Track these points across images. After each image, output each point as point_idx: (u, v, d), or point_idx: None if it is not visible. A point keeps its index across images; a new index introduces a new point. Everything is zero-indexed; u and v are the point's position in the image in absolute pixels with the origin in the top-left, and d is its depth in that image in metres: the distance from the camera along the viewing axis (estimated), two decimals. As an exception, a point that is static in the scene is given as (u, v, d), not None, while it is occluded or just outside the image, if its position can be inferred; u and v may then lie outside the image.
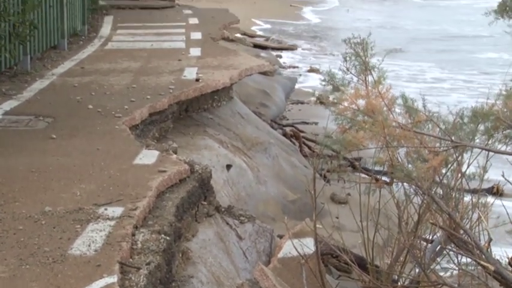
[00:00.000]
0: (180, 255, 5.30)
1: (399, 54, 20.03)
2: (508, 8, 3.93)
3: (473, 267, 4.55)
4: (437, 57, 20.20)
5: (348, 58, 4.43)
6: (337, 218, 7.44)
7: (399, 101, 4.53)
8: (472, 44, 22.25)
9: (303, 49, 19.63)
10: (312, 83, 16.00)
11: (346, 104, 4.31)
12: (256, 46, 18.58)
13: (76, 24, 13.54)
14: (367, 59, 4.32)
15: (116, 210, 5.08)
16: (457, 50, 21.60)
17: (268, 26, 22.95)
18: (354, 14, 27.82)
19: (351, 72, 4.43)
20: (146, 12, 17.52)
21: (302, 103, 14.49)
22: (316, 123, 12.85)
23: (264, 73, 12.16)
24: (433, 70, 18.55)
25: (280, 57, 18.34)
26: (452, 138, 4.33)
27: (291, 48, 19.49)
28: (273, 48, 19.05)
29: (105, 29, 14.72)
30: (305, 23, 25.34)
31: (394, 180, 4.92)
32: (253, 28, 21.75)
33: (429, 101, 4.74)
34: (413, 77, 17.56)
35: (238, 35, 18.71)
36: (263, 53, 17.71)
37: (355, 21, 26.18)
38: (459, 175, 4.62)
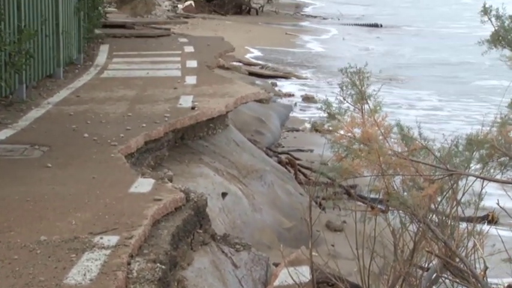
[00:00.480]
0: (176, 284, 5.28)
1: (397, 81, 20.10)
2: (501, 38, 3.96)
3: (469, 296, 4.53)
4: (436, 84, 20.26)
5: (344, 87, 4.45)
6: (333, 245, 7.43)
7: (396, 129, 4.54)
8: (472, 72, 22.28)
9: (298, 77, 19.68)
10: (307, 110, 16.03)
11: (342, 132, 4.32)
12: (251, 74, 18.63)
13: (72, 53, 13.59)
14: (363, 88, 4.34)
15: (112, 239, 5.06)
16: (456, 77, 21.65)
17: (263, 54, 23.04)
18: (351, 43, 27.93)
19: (347, 101, 4.44)
20: (142, 41, 17.58)
21: (297, 131, 14.51)
22: (311, 151, 12.86)
23: (260, 101, 12.19)
24: (431, 98, 18.60)
25: (276, 85, 18.39)
26: (448, 166, 4.33)
27: (286, 76, 19.55)
28: (268, 76, 19.11)
29: (101, 57, 14.77)
30: (301, 51, 25.44)
31: (390, 208, 4.92)
32: (249, 56, 21.83)
33: (427, 129, 4.76)
34: (411, 104, 17.58)
35: (233, 63, 18.77)
36: (258, 81, 17.76)
37: (353, 49, 26.29)
38: (454, 203, 4.62)
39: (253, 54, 22.47)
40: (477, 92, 19.32)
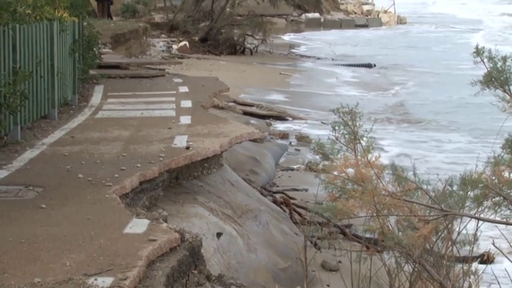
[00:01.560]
0: (171, 326, 5.24)
1: (395, 121, 20.17)
2: (493, 79, 4.00)
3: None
4: (434, 121, 20.33)
5: (336, 127, 4.47)
6: (328, 286, 7.40)
7: (390, 166, 4.55)
8: (471, 109, 22.24)
9: (292, 116, 19.74)
10: (301, 150, 16.05)
11: (335, 172, 4.33)
12: (246, 113, 18.69)
13: (67, 93, 13.63)
14: (355, 128, 4.36)
15: (106, 281, 5.03)
16: (455, 113, 21.64)
17: (258, 93, 23.13)
18: (343, 83, 28.05)
19: (340, 142, 4.46)
20: (136, 81, 17.65)
21: (292, 170, 14.51)
22: (306, 190, 12.85)
23: (254, 140, 12.20)
24: (429, 135, 18.63)
25: (270, 124, 18.43)
26: (442, 206, 4.34)
27: (281, 115, 19.62)
28: (263, 116, 19.17)
29: (96, 98, 14.81)
30: (295, 90, 25.55)
31: (385, 248, 4.91)
32: (243, 96, 21.91)
33: (421, 166, 4.76)
34: (407, 143, 17.61)
35: (228, 102, 18.83)
36: (253, 120, 17.81)
37: (345, 89, 26.41)
38: (450, 243, 4.61)
39: (247, 93, 22.55)
40: (480, 129, 19.29)
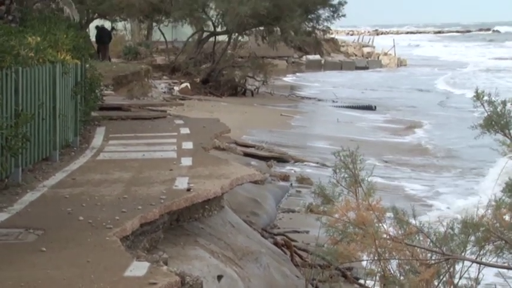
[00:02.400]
0: None
1: (394, 163, 20.15)
2: (493, 123, 4.00)
3: None
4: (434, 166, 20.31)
5: (337, 170, 4.47)
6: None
7: (391, 210, 4.53)
8: (471, 150, 22.18)
9: (293, 158, 19.73)
10: (303, 191, 16.01)
11: (337, 215, 4.31)
12: (246, 155, 18.69)
13: (68, 135, 13.65)
14: (356, 172, 4.35)
15: (106, 325, 4.99)
16: (457, 156, 21.59)
17: (258, 135, 23.15)
18: (344, 126, 28.07)
19: (341, 184, 4.45)
20: (138, 123, 17.68)
21: (293, 212, 14.46)
22: (307, 232, 12.79)
23: (255, 182, 12.18)
24: (430, 177, 18.59)
25: (271, 165, 18.41)
26: (444, 249, 4.31)
27: (282, 156, 19.60)
28: (264, 157, 19.16)
29: (97, 139, 14.83)
30: (297, 131, 25.58)
31: (387, 291, 4.87)
32: (244, 137, 21.93)
33: (421, 209, 4.75)
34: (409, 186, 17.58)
35: (229, 144, 18.85)
36: (254, 162, 17.80)
37: (346, 131, 26.44)
38: (451, 287, 4.58)
39: (249, 135, 22.58)
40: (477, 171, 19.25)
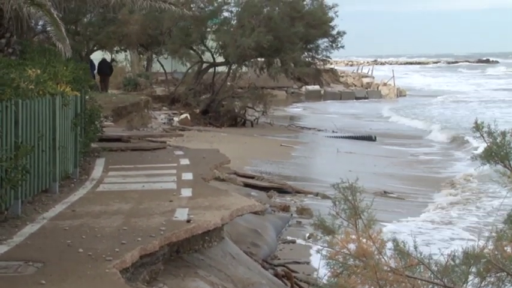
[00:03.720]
0: None
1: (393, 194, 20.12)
2: (494, 154, 4.00)
3: None
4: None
5: (337, 202, 4.46)
6: None
7: (391, 243, 4.51)
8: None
9: (293, 189, 19.69)
10: (303, 222, 15.97)
11: (337, 248, 4.30)
12: (247, 185, 18.66)
13: (68, 167, 13.65)
14: (356, 203, 4.34)
15: None
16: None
17: (258, 165, 23.15)
18: (346, 158, 28.05)
19: (340, 216, 4.44)
20: (137, 154, 17.69)
21: (294, 242, 14.41)
22: (307, 263, 12.73)
23: (255, 212, 12.16)
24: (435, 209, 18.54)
25: (271, 196, 18.39)
26: (445, 281, 4.29)
27: (282, 187, 19.58)
28: (264, 187, 19.13)
29: (97, 171, 14.83)
30: (296, 162, 25.58)
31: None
32: (244, 167, 21.92)
33: (423, 239, 4.73)
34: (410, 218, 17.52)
35: (229, 174, 18.83)
36: (254, 192, 17.77)
37: (346, 161, 26.43)
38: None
39: (249, 165, 22.58)
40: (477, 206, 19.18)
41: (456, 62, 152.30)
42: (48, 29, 15.55)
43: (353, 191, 4.34)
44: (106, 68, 38.10)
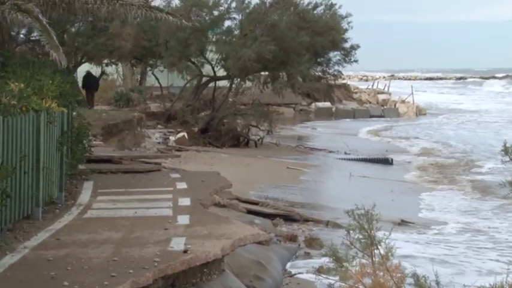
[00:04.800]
0: None
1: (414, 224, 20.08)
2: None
3: None
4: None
5: (351, 231, 4.45)
6: None
7: (411, 278, 4.49)
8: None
9: (302, 216, 19.66)
10: (312, 253, 15.93)
11: (351, 282, 4.28)
12: (250, 212, 18.64)
13: (52, 191, 13.65)
14: (372, 232, 4.33)
15: None
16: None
17: (263, 190, 23.13)
18: (360, 182, 28.03)
19: (355, 247, 4.43)
20: (129, 177, 17.71)
21: (301, 275, 14.37)
22: (317, 299, 12.69)
23: (259, 242, 12.15)
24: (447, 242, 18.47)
25: (277, 224, 18.36)
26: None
27: (289, 214, 19.55)
28: (269, 215, 19.11)
29: (85, 195, 14.84)
30: (305, 186, 25.56)
31: None
32: (247, 192, 21.91)
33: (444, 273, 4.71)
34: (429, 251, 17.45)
35: (230, 200, 18.83)
36: (258, 220, 17.75)
37: (361, 186, 26.40)
38: None
39: (252, 190, 22.57)
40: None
41: (482, 78, 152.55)
42: (34, 37, 15.66)
43: (369, 219, 4.33)
44: (92, 82, 38.22)
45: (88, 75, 38.63)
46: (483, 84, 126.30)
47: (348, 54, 37.19)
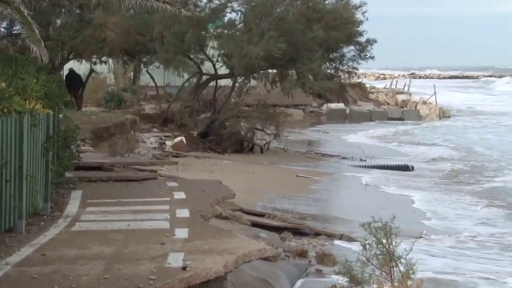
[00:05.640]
0: None
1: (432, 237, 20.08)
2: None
3: None
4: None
5: (367, 246, 4.48)
6: None
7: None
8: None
9: (312, 229, 19.68)
10: (324, 271, 15.95)
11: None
12: (255, 225, 18.66)
13: (37, 201, 13.69)
14: (391, 248, 4.36)
15: None
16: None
17: (269, 200, 23.15)
18: (376, 192, 28.00)
19: (371, 264, 4.46)
20: (122, 185, 17.76)
21: (312, 295, 14.41)
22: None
23: (265, 258, 12.18)
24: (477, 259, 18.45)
25: (285, 239, 18.39)
26: None
27: (298, 227, 19.56)
28: (276, 228, 19.13)
29: (72, 206, 14.88)
30: (315, 197, 25.57)
31: None
32: (252, 203, 21.95)
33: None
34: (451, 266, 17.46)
35: (233, 211, 18.86)
36: (264, 233, 17.77)
37: (378, 198, 26.38)
38: None
39: (257, 200, 22.59)
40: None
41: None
42: (16, 30, 15.73)
43: (388, 233, 4.35)
44: (76, 81, 38.06)
45: (71, 74, 38.41)
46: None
47: (363, 50, 37.05)
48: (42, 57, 15.68)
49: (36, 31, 15.73)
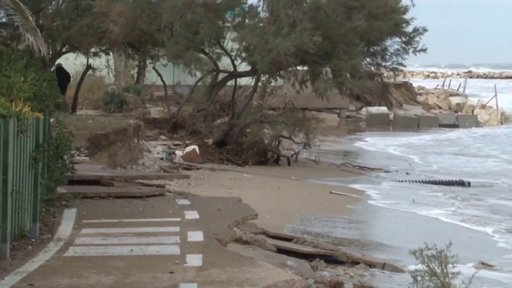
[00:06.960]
0: None
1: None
2: None
3: None
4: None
5: (419, 278, 4.47)
6: None
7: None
8: None
9: (349, 258, 19.67)
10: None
11: None
12: (281, 251, 18.66)
13: (24, 221, 13.73)
14: (447, 280, 4.35)
15: None
16: None
17: (298, 222, 23.14)
18: (422, 208, 27.96)
19: (423, 299, 4.44)
20: (124, 203, 17.79)
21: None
22: None
23: (294, 290, 12.14)
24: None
25: (317, 267, 18.38)
26: None
27: (332, 254, 19.54)
28: (306, 255, 19.12)
29: (65, 227, 14.92)
30: (352, 218, 25.53)
31: None
32: (278, 224, 21.94)
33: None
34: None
35: (255, 234, 18.87)
36: (291, 261, 17.75)
37: (429, 222, 26.30)
38: None
39: (284, 222, 22.59)
40: None
41: None
42: (0, 18, 15.80)
43: (442, 262, 4.34)
44: (64, 80, 38.15)
45: (59, 71, 38.46)
46: None
47: (410, 42, 36.61)
48: (40, 48, 15.74)
49: (30, 18, 15.82)
